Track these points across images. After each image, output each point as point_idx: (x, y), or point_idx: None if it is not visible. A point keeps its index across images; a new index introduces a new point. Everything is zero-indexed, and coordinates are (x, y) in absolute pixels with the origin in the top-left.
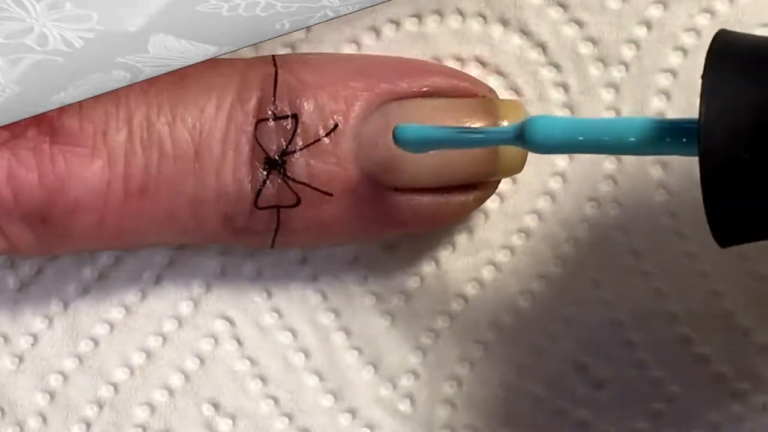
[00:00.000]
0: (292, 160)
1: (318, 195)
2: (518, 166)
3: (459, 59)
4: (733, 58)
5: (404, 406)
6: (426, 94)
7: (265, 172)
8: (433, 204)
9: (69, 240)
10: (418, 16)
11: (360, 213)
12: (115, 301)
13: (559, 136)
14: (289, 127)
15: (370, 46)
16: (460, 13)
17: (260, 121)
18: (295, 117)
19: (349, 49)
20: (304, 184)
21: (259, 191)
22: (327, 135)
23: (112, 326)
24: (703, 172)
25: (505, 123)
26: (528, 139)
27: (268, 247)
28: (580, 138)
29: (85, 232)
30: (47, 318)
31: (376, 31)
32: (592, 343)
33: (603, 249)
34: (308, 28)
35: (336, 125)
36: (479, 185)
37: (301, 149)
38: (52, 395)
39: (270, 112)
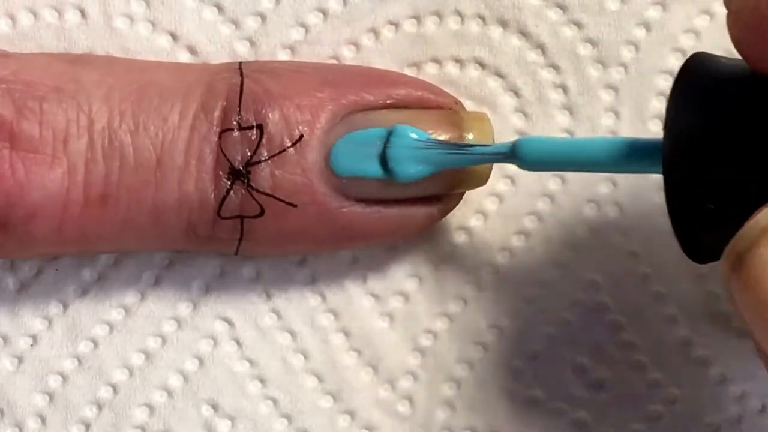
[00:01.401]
0: (257, 170)
1: (282, 206)
2: (484, 179)
3: (458, 60)
4: (696, 89)
5: (403, 408)
6: (392, 105)
7: (229, 182)
8: (398, 216)
9: (28, 246)
10: (417, 18)
11: (325, 225)
12: (115, 303)
13: (545, 155)
14: (254, 137)
15: (369, 47)
16: (459, 14)
17: (225, 131)
18: (260, 127)
19: (347, 51)
20: (268, 195)
21: (223, 201)
22: (292, 145)
23: (111, 327)
24: (670, 212)
25: (470, 136)
26: (521, 158)
27: (232, 254)
28: (563, 157)
29: (45, 239)
30: (47, 319)
31: (375, 32)
32: (590, 345)
33: (602, 251)
34: (307, 29)
35: (301, 136)
36: (444, 197)
37: (265, 160)
38: (51, 396)
39: (235, 122)
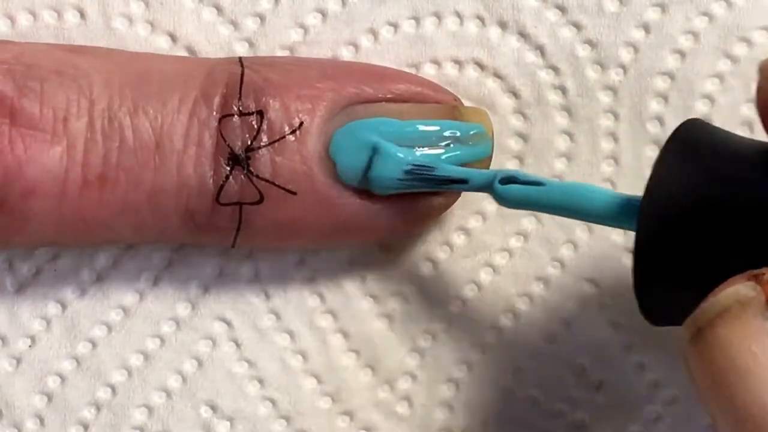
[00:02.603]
0: (257, 156)
1: (281, 193)
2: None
3: (457, 61)
4: (685, 154)
5: (402, 409)
6: (391, 100)
7: (228, 168)
8: (397, 209)
9: (25, 227)
10: (416, 18)
11: (323, 214)
12: (113, 303)
13: (523, 200)
14: (254, 122)
15: (368, 48)
16: (458, 15)
17: (225, 116)
18: (261, 113)
19: (346, 52)
20: (267, 181)
21: (222, 187)
22: (292, 132)
23: (110, 328)
24: (635, 272)
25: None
26: (500, 196)
27: (229, 247)
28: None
29: (43, 219)
30: (45, 320)
31: (374, 33)
32: (590, 345)
33: (601, 251)
34: (306, 30)
35: (301, 123)
36: (442, 192)
37: (266, 145)
38: (49, 397)
39: (235, 108)
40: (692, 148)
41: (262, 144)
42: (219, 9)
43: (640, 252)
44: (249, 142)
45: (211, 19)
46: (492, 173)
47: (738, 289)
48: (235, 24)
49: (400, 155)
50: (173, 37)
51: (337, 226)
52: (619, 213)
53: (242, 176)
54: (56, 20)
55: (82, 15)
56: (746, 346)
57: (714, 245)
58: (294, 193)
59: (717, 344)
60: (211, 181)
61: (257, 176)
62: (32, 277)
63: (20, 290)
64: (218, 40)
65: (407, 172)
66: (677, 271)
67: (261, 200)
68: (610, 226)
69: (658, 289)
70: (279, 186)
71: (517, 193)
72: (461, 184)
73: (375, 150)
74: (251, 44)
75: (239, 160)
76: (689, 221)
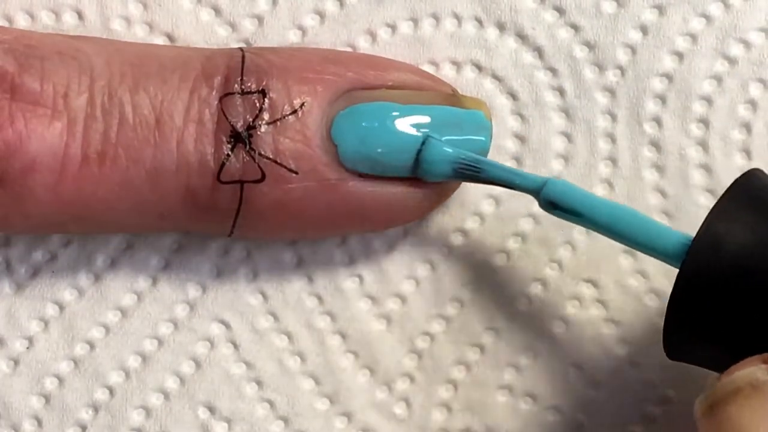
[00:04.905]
0: (259, 134)
1: (283, 172)
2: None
3: (455, 63)
4: (747, 206)
5: (400, 410)
6: (391, 87)
7: (230, 146)
8: (397, 193)
9: (25, 204)
10: (414, 20)
11: (323, 196)
12: (111, 304)
13: (570, 206)
14: (256, 102)
15: (366, 49)
16: (456, 16)
17: (227, 95)
18: (263, 92)
19: None
20: (269, 158)
21: (223, 164)
22: (294, 113)
23: (107, 329)
24: (670, 308)
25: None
26: (545, 198)
27: (226, 233)
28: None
29: (42, 197)
30: (43, 321)
31: (372, 34)
32: (587, 345)
33: (599, 251)
34: (304, 31)
35: (303, 103)
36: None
37: (268, 123)
38: (47, 398)
39: (237, 87)
40: (756, 200)
41: (264, 122)
42: (217, 10)
43: (677, 296)
44: (251, 121)
45: (209, 20)
46: (538, 183)
47: (754, 371)
48: (233, 25)
49: (448, 150)
50: (171, 38)
51: (336, 210)
52: (666, 247)
53: (244, 154)
54: (54, 21)
55: (81, 16)
56: (755, 427)
57: (753, 310)
58: (295, 173)
59: (728, 423)
60: (212, 159)
61: (259, 154)
62: (30, 279)
63: (18, 291)
64: (216, 42)
65: (454, 169)
66: (710, 323)
67: (263, 178)
68: (655, 258)
69: (685, 334)
70: (281, 164)
71: (561, 218)
72: (506, 185)
73: (423, 142)
74: (249, 45)
75: (241, 138)
76: (737, 278)
